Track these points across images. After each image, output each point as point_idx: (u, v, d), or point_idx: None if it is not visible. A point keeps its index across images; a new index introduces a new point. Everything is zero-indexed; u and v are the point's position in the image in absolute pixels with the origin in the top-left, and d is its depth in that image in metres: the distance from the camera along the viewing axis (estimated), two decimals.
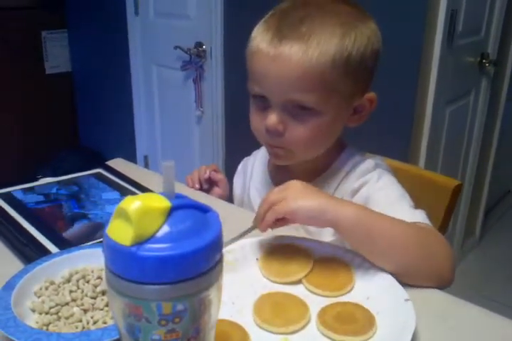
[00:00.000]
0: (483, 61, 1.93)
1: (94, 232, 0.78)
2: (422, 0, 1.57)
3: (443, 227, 0.96)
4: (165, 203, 0.36)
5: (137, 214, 0.35)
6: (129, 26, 2.26)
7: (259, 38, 0.74)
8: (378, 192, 0.77)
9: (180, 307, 0.36)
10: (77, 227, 0.79)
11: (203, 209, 0.39)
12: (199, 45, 1.98)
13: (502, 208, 2.84)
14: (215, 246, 0.37)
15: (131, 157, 2.40)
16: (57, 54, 2.68)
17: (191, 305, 0.37)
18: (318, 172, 0.84)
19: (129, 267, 0.35)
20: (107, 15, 2.38)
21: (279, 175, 0.89)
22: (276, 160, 0.83)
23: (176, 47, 2.01)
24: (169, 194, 0.38)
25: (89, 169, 1.01)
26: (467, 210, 2.22)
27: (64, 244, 0.72)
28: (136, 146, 2.47)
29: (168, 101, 2.26)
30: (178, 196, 0.39)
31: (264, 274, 0.66)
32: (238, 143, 2.03)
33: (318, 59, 0.70)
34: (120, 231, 0.35)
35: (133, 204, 0.35)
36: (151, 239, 0.35)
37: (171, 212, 0.37)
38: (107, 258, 0.36)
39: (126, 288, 0.35)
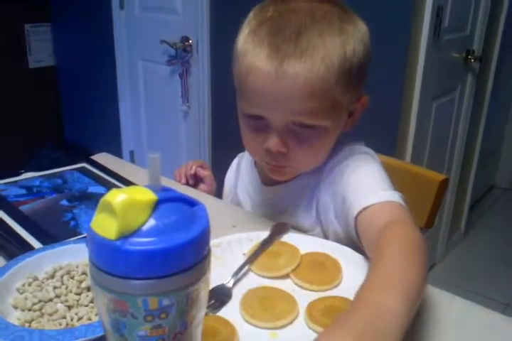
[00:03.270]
0: (469, 57, 1.95)
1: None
2: None
3: (430, 221, 0.96)
4: (151, 196, 0.36)
5: (122, 208, 0.34)
6: (115, 20, 2.23)
7: (253, 54, 0.68)
8: (351, 173, 0.73)
9: (166, 302, 0.35)
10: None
11: (190, 203, 0.38)
12: (185, 39, 1.96)
13: (486, 203, 2.87)
14: (203, 239, 0.37)
15: (117, 152, 2.37)
16: (40, 48, 2.64)
17: (178, 300, 0.36)
18: None
19: (114, 262, 0.34)
20: (92, 8, 2.35)
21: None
22: (279, 176, 0.79)
23: (162, 42, 1.99)
24: (155, 186, 0.37)
25: (74, 164, 1.00)
26: (453, 205, 2.24)
27: (48, 240, 0.71)
28: (122, 141, 2.44)
29: (154, 96, 2.24)
30: (165, 189, 0.38)
31: (252, 269, 0.66)
32: (225, 138, 2.02)
33: (324, 74, 0.66)
34: (105, 225, 0.34)
35: (118, 197, 0.34)
36: (136, 232, 0.34)
37: (157, 205, 0.36)
38: (92, 253, 0.36)
39: (111, 283, 0.35)
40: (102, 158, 1.07)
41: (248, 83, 0.69)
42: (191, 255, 0.36)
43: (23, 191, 0.87)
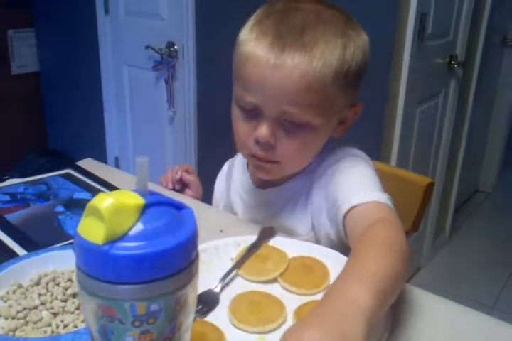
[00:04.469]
0: (452, 62, 1.97)
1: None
2: (393, 3, 1.59)
3: (415, 225, 0.97)
4: (138, 200, 0.35)
5: (109, 212, 0.34)
6: (99, 25, 2.22)
7: (255, 43, 0.69)
8: (342, 174, 0.74)
9: (154, 307, 0.35)
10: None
11: (178, 206, 0.38)
12: (171, 44, 1.95)
13: (470, 207, 2.90)
14: (191, 244, 0.36)
15: (102, 159, 2.34)
16: (24, 53, 2.61)
17: (166, 304, 0.36)
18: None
19: (101, 267, 0.34)
20: (76, 13, 2.33)
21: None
22: (264, 174, 0.79)
23: (147, 47, 1.99)
24: (142, 191, 0.37)
25: (59, 170, 0.98)
26: (437, 209, 2.26)
27: (32, 246, 0.70)
28: (107, 148, 2.42)
29: (139, 102, 2.23)
30: (152, 193, 0.38)
31: (240, 273, 0.66)
32: (211, 143, 2.02)
33: (321, 71, 0.67)
34: (92, 230, 0.34)
35: (105, 201, 0.34)
36: (124, 237, 0.34)
37: (144, 209, 0.35)
38: (79, 258, 0.35)
39: (99, 288, 0.34)
40: (87, 163, 1.05)
41: (245, 69, 0.70)
42: (180, 259, 0.36)
43: (7, 198, 0.86)
